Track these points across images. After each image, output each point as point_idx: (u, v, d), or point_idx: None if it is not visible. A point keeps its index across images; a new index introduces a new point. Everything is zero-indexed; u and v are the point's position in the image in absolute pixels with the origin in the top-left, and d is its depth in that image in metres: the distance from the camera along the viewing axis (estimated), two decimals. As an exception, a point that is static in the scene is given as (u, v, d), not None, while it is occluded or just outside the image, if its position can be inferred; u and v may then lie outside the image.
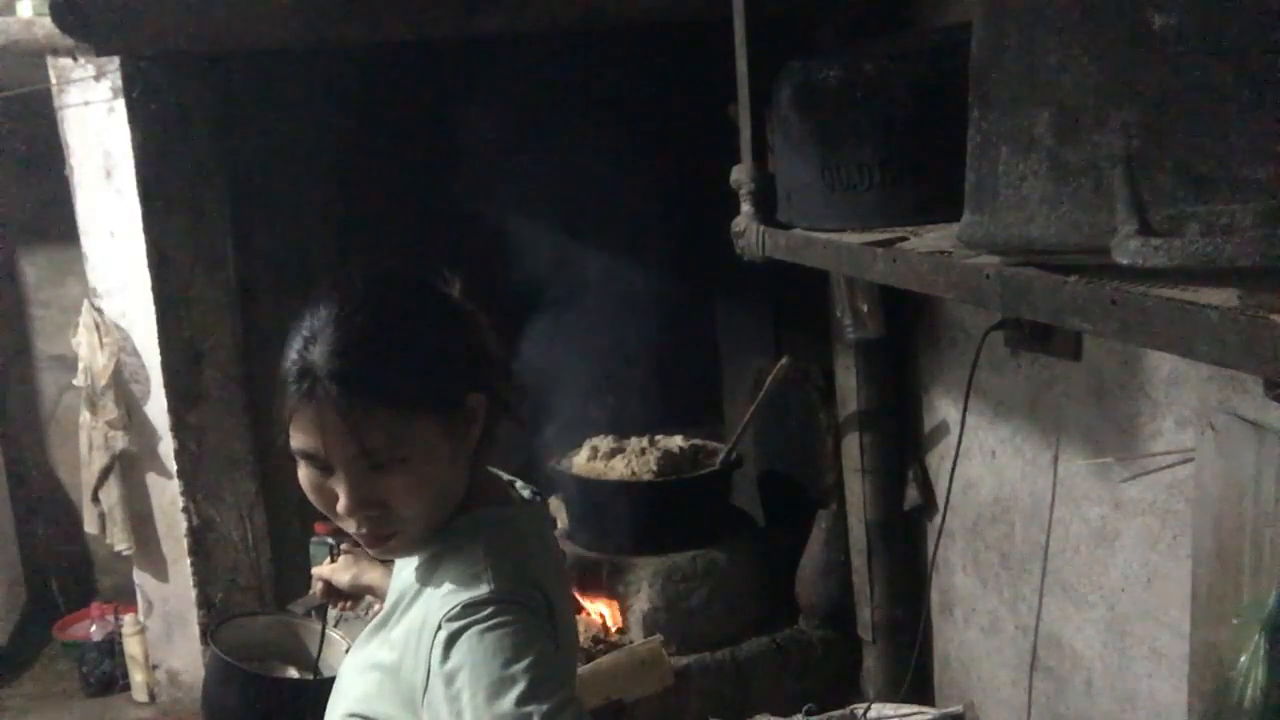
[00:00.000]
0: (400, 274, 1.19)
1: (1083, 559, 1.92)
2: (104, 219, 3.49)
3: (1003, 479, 2.16)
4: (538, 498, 1.32)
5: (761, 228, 1.73)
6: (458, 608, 1.06)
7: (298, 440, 1.09)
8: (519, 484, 1.31)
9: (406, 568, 1.22)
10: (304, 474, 1.12)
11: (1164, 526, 1.70)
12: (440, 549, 1.16)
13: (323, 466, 1.09)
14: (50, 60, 3.39)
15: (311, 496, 1.13)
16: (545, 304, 2.94)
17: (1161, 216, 0.84)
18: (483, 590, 1.08)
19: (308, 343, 1.07)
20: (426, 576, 1.16)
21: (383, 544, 1.14)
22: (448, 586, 1.11)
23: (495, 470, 1.29)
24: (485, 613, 1.06)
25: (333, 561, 1.61)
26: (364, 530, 1.11)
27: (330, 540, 2.19)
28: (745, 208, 1.77)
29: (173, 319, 2.52)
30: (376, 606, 1.99)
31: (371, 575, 1.55)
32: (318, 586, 1.61)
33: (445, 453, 1.12)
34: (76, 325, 3.54)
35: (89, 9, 2.16)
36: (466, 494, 1.19)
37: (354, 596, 1.62)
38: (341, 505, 1.09)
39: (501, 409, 1.19)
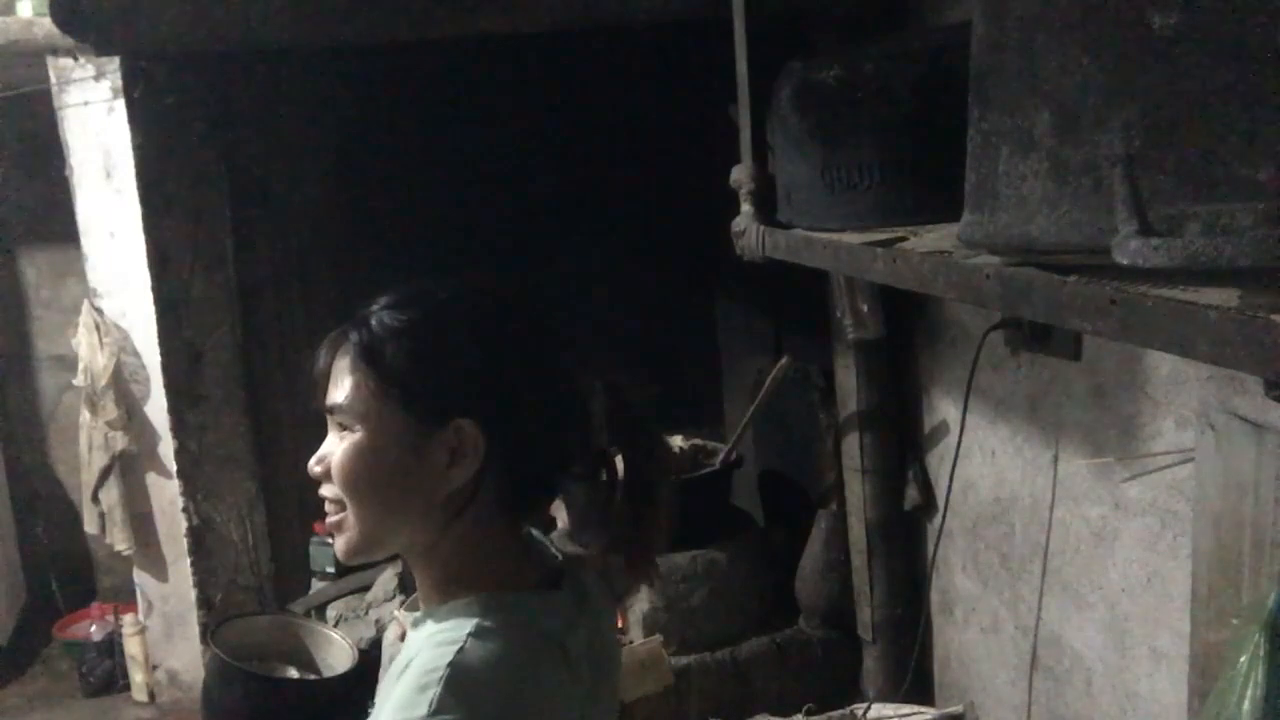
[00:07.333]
0: (493, 289, 1.14)
1: (1083, 559, 1.92)
2: (104, 219, 3.50)
3: (1003, 479, 2.16)
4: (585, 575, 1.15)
5: (761, 228, 1.72)
6: None
7: None
8: (580, 570, 1.14)
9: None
10: None
11: (1164, 526, 1.70)
12: (421, 646, 1.02)
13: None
14: (50, 60, 3.40)
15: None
16: (545, 303, 2.94)
17: (1161, 216, 0.84)
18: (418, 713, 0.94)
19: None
20: (398, 676, 1.02)
21: (335, 529, 1.10)
22: (395, 697, 0.97)
23: (546, 544, 1.16)
24: None
25: None
26: (321, 491, 1.10)
27: (330, 540, 2.19)
28: (745, 208, 1.77)
29: (173, 319, 2.52)
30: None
31: None
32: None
33: (393, 456, 1.04)
34: (76, 325, 3.55)
35: (89, 9, 2.16)
36: (472, 566, 1.07)
37: None
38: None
39: (511, 464, 1.06)
